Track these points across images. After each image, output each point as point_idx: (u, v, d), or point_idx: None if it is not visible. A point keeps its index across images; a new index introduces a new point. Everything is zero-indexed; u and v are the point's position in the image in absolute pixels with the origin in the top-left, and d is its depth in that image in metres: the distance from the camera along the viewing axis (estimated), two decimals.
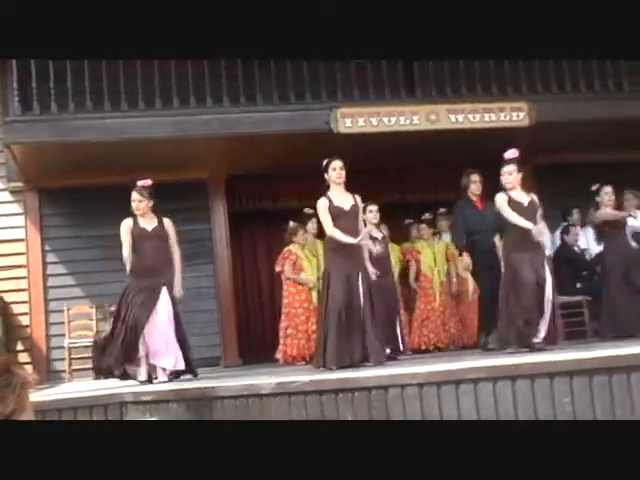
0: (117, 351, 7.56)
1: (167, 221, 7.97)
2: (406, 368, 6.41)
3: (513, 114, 10.25)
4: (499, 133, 10.05)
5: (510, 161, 7.84)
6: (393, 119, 9.99)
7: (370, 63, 10.25)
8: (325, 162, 7.62)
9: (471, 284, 10.34)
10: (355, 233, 7.51)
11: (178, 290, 7.90)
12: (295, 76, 9.95)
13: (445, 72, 10.26)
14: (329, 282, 7.44)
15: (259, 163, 10.74)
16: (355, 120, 9.91)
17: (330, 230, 7.50)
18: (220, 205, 11.27)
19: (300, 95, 9.94)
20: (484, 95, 10.34)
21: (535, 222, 7.73)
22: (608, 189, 9.17)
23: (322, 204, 7.54)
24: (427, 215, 10.72)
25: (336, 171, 7.56)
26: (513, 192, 7.85)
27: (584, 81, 10.55)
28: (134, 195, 7.84)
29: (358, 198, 7.69)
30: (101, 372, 7.73)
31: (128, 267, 7.76)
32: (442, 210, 10.81)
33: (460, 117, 10.18)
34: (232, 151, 10.42)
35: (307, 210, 9.96)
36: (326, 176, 7.63)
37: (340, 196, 7.59)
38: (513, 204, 7.79)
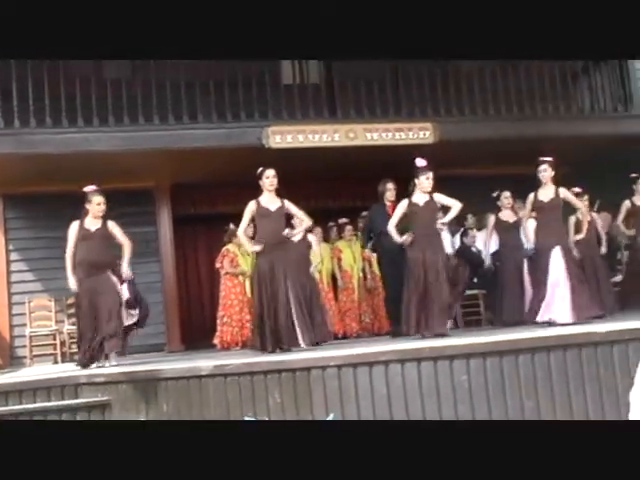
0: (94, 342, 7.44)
1: (111, 222, 7.77)
2: (326, 352, 6.47)
3: (420, 133, 10.39)
4: (408, 149, 10.14)
5: (426, 168, 7.92)
6: (317, 136, 10.06)
7: (297, 87, 10.31)
8: (259, 171, 7.67)
9: None
10: (279, 232, 7.56)
11: (125, 271, 7.73)
12: (231, 98, 9.94)
13: (362, 96, 10.36)
14: (258, 281, 7.47)
15: (200, 173, 10.73)
16: (284, 137, 9.94)
17: (240, 231, 7.73)
18: (165, 210, 11.25)
19: (236, 115, 9.94)
20: (395, 116, 10.45)
21: (432, 220, 7.84)
22: (507, 194, 9.36)
23: (249, 206, 7.62)
24: (344, 219, 10.78)
25: (269, 179, 7.62)
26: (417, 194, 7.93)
27: (481, 105, 10.74)
28: (99, 198, 7.66)
29: (287, 202, 7.71)
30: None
31: (68, 263, 7.56)
32: (364, 213, 10.91)
33: (375, 135, 10.27)
34: (176, 163, 10.37)
35: None
36: (260, 183, 7.67)
37: (269, 199, 7.63)
38: (411, 206, 7.94)
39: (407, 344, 6.56)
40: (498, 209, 9.40)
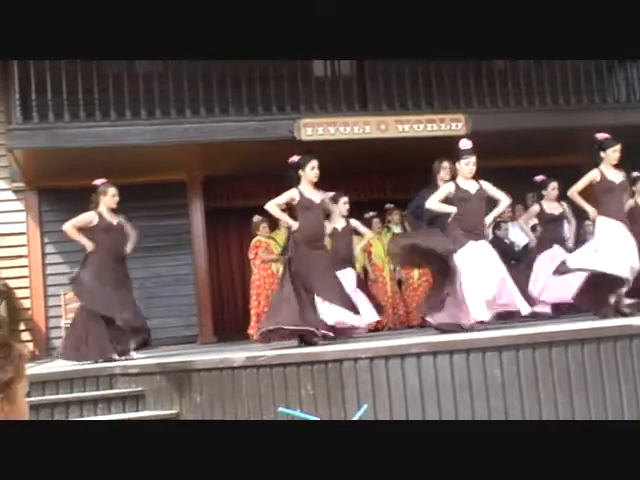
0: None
1: (122, 216, 8.00)
2: (358, 344, 6.46)
3: (452, 124, 10.33)
4: (440, 141, 10.09)
5: (470, 151, 7.45)
6: (348, 128, 10.04)
7: (329, 80, 10.30)
8: (301, 160, 7.33)
9: (416, 271, 10.39)
10: (321, 223, 7.47)
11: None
12: (263, 91, 9.97)
13: (393, 89, 10.33)
14: (291, 264, 7.22)
15: (232, 166, 10.76)
16: (315, 129, 9.94)
17: (271, 205, 7.34)
18: (197, 203, 11.28)
19: (267, 108, 9.96)
20: (427, 108, 10.41)
21: (482, 211, 7.52)
22: (554, 184, 9.12)
23: (290, 192, 7.30)
24: (371, 213, 10.68)
25: (314, 170, 7.28)
26: (461, 180, 7.50)
27: (514, 98, 10.65)
28: (114, 190, 7.86)
29: (325, 194, 7.59)
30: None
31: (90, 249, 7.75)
32: (389, 205, 10.90)
33: (406, 127, 10.23)
34: (208, 156, 10.41)
35: None
36: (301, 173, 7.32)
37: (309, 191, 7.36)
38: (459, 191, 7.49)
39: (439, 337, 6.53)
40: (540, 197, 9.26)
